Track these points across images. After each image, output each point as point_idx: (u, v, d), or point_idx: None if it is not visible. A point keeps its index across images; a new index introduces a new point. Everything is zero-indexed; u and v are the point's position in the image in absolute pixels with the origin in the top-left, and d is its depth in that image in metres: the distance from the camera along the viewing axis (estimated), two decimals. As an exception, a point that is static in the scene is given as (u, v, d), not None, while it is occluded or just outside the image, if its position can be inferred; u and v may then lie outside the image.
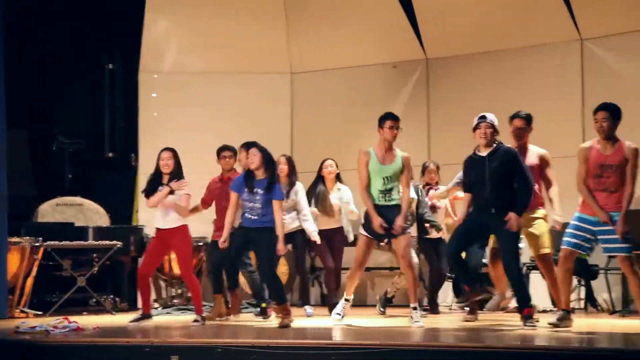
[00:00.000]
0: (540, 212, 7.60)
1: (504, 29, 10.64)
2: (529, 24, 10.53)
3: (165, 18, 11.47)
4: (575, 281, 9.49)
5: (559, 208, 7.61)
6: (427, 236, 9.22)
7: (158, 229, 8.13)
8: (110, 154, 11.37)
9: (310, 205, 9.00)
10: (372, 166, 7.67)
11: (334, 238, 9.19)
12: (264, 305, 8.50)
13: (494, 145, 7.36)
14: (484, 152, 7.40)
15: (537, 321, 7.28)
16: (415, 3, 10.96)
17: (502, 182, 7.28)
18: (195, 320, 8.02)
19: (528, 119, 7.68)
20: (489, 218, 7.31)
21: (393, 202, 7.65)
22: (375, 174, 7.68)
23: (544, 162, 7.61)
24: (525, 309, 7.25)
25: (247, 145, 8.07)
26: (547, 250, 7.55)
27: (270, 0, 11.52)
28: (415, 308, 7.66)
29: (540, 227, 7.55)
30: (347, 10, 11.32)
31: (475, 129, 7.42)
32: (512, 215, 7.15)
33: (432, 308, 9.21)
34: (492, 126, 7.38)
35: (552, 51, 10.47)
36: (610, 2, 10.01)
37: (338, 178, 9.32)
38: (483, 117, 7.44)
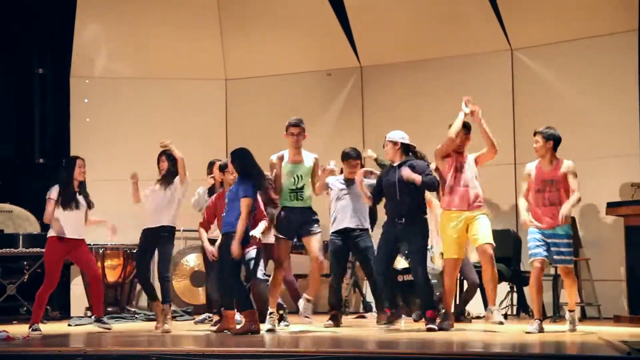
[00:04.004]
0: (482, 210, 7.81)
1: (438, 39, 10.77)
2: (461, 34, 10.68)
3: (97, 22, 11.30)
4: (507, 288, 9.64)
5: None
6: None
7: (63, 238, 8.10)
8: (41, 160, 11.18)
9: None
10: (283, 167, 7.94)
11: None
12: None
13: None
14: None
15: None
16: (349, 11, 11.03)
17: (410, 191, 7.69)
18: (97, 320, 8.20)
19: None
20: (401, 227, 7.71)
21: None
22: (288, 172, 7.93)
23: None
24: (429, 310, 7.69)
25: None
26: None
27: (204, 6, 11.48)
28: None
29: (481, 222, 7.72)
30: (282, 18, 11.33)
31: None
32: None
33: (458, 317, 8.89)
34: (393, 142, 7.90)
35: (484, 60, 10.65)
36: (539, 14, 10.22)
37: None
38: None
